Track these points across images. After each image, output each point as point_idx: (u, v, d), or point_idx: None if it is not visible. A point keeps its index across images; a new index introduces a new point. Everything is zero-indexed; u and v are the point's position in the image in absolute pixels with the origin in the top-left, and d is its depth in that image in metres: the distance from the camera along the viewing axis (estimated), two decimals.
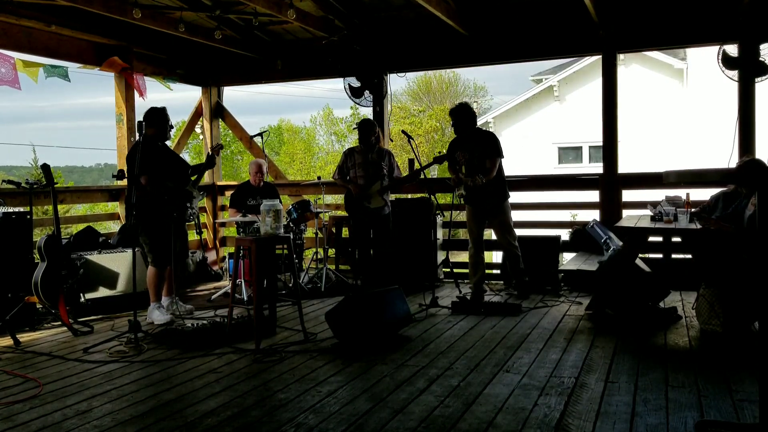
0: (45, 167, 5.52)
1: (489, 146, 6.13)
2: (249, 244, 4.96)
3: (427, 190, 6.50)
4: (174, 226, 5.61)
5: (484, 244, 6.39)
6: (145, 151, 5.42)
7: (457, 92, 31.68)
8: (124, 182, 7.22)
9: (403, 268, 6.80)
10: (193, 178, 5.87)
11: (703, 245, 5.28)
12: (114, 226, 8.25)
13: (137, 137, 5.09)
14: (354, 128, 6.94)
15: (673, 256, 6.47)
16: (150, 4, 6.58)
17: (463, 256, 7.19)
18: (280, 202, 6.16)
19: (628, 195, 7.05)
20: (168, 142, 5.91)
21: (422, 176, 6.59)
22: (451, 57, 7.67)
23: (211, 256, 8.41)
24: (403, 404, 3.46)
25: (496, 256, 11.74)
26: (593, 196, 7.17)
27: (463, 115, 6.20)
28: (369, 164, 6.64)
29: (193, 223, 6.20)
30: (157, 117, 5.61)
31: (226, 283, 7.24)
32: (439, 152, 6.58)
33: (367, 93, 7.79)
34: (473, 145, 6.16)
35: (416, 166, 6.61)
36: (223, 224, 8.75)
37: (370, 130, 6.76)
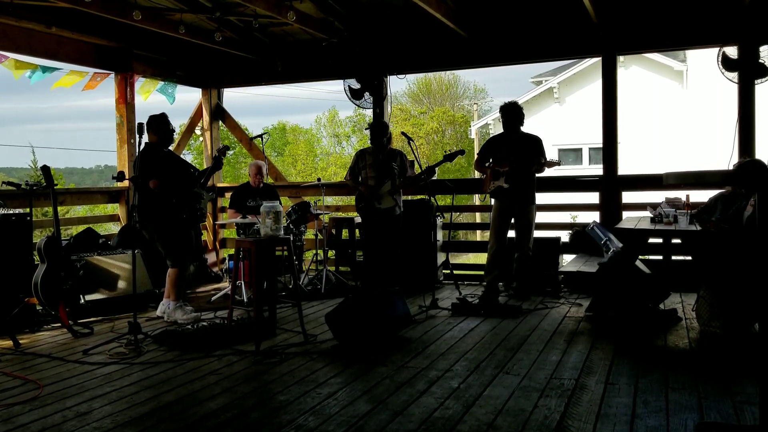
0: (45, 169, 5.52)
1: (535, 150, 6.26)
2: (249, 246, 4.96)
3: (427, 191, 6.50)
4: (186, 227, 5.67)
5: (507, 242, 6.41)
6: (151, 157, 5.46)
7: (457, 94, 31.74)
8: (125, 184, 7.24)
9: (404, 270, 6.80)
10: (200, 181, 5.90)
11: (703, 247, 5.28)
12: (114, 228, 8.24)
13: (138, 139, 5.10)
14: (366, 129, 6.93)
15: (673, 257, 6.46)
16: (150, 5, 6.59)
17: (463, 258, 7.20)
18: (280, 203, 6.15)
19: (628, 197, 7.05)
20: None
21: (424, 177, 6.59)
22: (451, 59, 7.67)
23: (211, 257, 8.41)
24: (403, 406, 3.46)
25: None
26: (593, 197, 7.17)
27: (512, 113, 6.36)
28: (380, 165, 6.63)
29: (204, 222, 6.27)
30: (159, 123, 5.62)
31: (226, 285, 7.24)
32: (449, 150, 6.60)
33: (367, 95, 7.78)
34: (517, 147, 6.25)
35: (416, 168, 6.61)
36: (223, 226, 8.75)
37: (381, 130, 6.75)
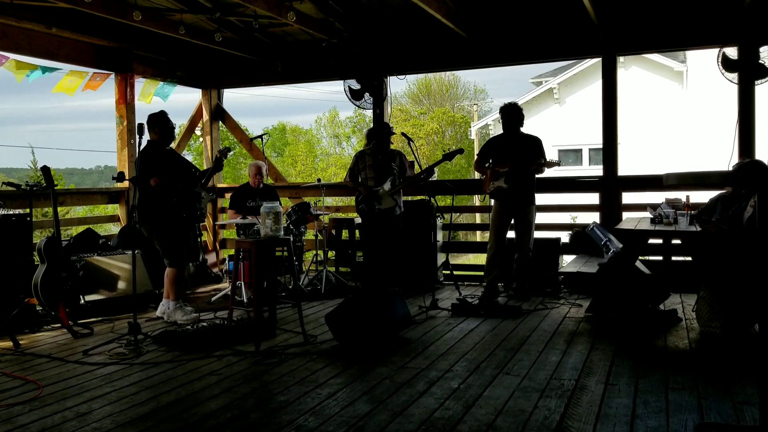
0: (45, 169, 5.53)
1: (535, 150, 6.26)
2: (249, 247, 4.96)
3: (427, 192, 6.50)
4: (185, 226, 5.66)
5: (507, 243, 6.41)
6: (152, 155, 5.46)
7: (457, 95, 31.76)
8: (125, 184, 7.25)
9: (403, 270, 6.80)
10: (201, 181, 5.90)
11: (703, 247, 5.28)
12: (114, 228, 8.25)
13: (138, 140, 5.10)
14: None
15: (673, 258, 6.47)
16: (150, 6, 6.59)
17: (463, 259, 7.21)
18: (280, 204, 6.15)
19: (628, 197, 7.05)
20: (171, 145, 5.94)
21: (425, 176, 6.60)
22: (451, 59, 7.68)
23: (211, 258, 8.41)
24: (402, 406, 3.46)
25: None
26: (593, 198, 7.17)
27: (512, 114, 6.36)
28: (379, 165, 6.63)
29: (203, 223, 6.25)
30: (159, 121, 5.62)
31: (226, 285, 7.24)
32: (449, 149, 6.60)
33: (367, 95, 7.79)
34: (517, 149, 6.25)
35: (416, 168, 6.61)
36: (223, 226, 8.75)
37: (383, 131, 6.76)
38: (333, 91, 41.88)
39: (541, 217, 6.76)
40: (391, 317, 4.91)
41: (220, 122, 8.99)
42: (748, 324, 4.68)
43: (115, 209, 7.97)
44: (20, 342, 5.00)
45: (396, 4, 6.98)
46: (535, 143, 6.33)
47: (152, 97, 8.00)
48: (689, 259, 6.58)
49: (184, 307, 5.71)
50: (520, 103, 6.60)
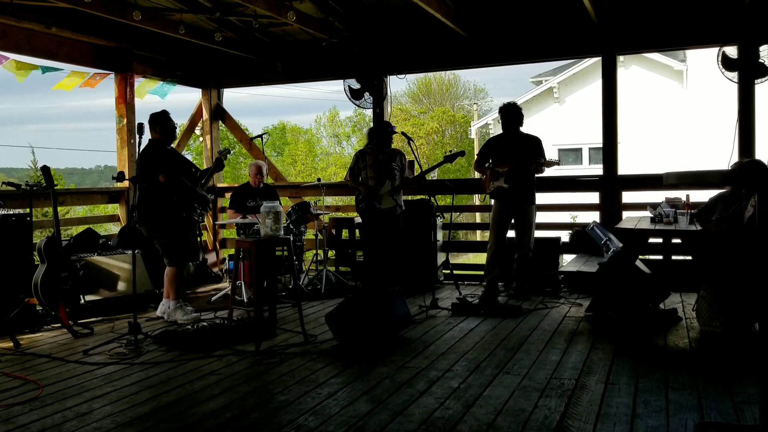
0: (45, 169, 5.53)
1: (535, 150, 6.27)
2: (249, 246, 4.96)
3: (427, 192, 6.50)
4: (185, 226, 5.66)
5: (507, 242, 6.42)
6: (156, 153, 5.47)
7: (457, 94, 31.75)
8: (125, 184, 7.24)
9: (404, 270, 6.80)
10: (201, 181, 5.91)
11: (703, 247, 5.28)
12: (114, 228, 8.25)
13: (138, 139, 5.10)
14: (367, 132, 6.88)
15: (674, 257, 6.47)
16: (150, 5, 6.59)
17: (463, 258, 7.21)
18: (280, 203, 6.15)
19: (628, 196, 7.05)
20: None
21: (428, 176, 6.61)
22: (451, 59, 7.68)
23: (211, 257, 8.41)
24: (403, 406, 3.46)
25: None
26: (593, 197, 7.17)
27: (511, 114, 6.37)
28: (380, 165, 6.62)
29: (203, 223, 6.25)
30: (161, 121, 5.63)
31: (226, 285, 7.24)
32: (450, 151, 6.61)
33: (367, 95, 7.79)
34: (517, 148, 6.26)
35: (416, 168, 6.61)
36: (223, 226, 8.75)
37: (385, 131, 6.75)
38: (333, 90, 41.91)
39: (541, 217, 6.76)
40: (391, 317, 4.91)
41: (220, 122, 8.99)
42: (748, 323, 4.68)
43: (115, 209, 7.97)
44: (20, 342, 5.00)
45: (396, 3, 6.98)
46: (534, 143, 6.33)
47: (147, 94, 8.00)
48: (689, 258, 6.58)
49: (184, 307, 5.72)
50: (519, 102, 6.62)
